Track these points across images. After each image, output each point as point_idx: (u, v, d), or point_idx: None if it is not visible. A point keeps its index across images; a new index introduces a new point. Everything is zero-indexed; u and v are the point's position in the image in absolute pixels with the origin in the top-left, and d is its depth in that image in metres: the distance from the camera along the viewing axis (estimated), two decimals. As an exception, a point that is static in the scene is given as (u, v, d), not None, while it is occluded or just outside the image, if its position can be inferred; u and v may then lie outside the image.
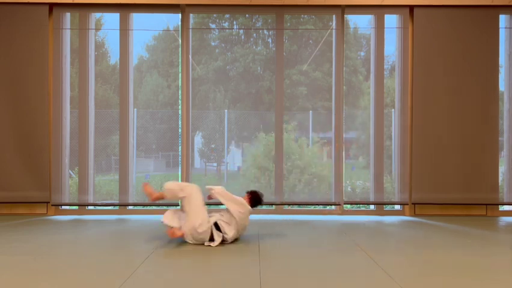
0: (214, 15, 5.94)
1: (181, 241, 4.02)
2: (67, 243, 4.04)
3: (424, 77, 5.51)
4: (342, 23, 5.64)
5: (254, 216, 5.45)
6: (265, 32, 5.94)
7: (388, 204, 5.70)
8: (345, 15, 5.67)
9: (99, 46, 5.93)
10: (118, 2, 5.45)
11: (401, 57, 5.64)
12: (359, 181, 5.88)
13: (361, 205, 5.84)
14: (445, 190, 5.46)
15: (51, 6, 5.49)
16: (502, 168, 5.66)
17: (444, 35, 5.51)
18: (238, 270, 3.17)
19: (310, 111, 5.87)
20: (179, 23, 5.66)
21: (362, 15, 5.87)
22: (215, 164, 6.01)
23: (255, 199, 4.13)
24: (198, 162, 5.98)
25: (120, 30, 5.59)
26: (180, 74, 5.69)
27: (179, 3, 5.50)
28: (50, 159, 5.48)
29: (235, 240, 4.06)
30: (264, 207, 5.79)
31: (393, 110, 5.78)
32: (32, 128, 5.42)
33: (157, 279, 2.97)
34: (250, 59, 5.81)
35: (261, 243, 4.03)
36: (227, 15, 5.95)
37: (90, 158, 5.61)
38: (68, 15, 5.60)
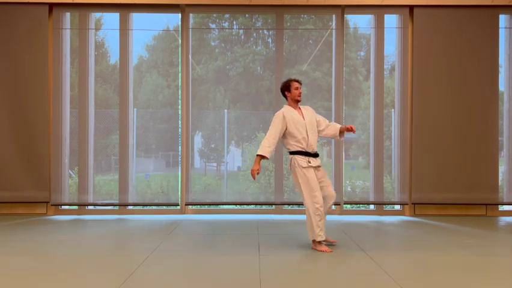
0: (214, 15, 5.93)
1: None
2: (66, 243, 4.04)
3: (424, 77, 5.51)
4: (342, 23, 5.63)
5: (254, 216, 5.46)
6: (265, 32, 5.93)
7: (388, 204, 5.70)
8: (345, 15, 5.67)
9: (99, 46, 5.92)
10: (118, 2, 5.44)
11: (401, 57, 5.64)
12: (359, 181, 5.88)
13: (361, 205, 5.84)
14: (445, 190, 5.46)
15: (51, 6, 5.49)
16: (501, 168, 5.66)
17: (444, 35, 5.50)
18: (238, 270, 3.17)
19: (310, 111, 5.85)
20: (179, 23, 5.66)
21: (362, 15, 5.87)
22: (215, 164, 6.01)
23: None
24: (197, 162, 5.97)
25: (120, 30, 5.58)
26: (180, 74, 5.69)
27: (179, 3, 5.50)
28: (50, 159, 5.48)
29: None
30: (264, 207, 5.79)
31: (393, 110, 5.78)
32: (32, 128, 5.42)
33: (157, 279, 2.97)
34: (250, 59, 5.80)
35: (261, 243, 4.04)
36: (227, 15, 5.95)
37: (90, 158, 5.60)
38: (68, 15, 5.59)
